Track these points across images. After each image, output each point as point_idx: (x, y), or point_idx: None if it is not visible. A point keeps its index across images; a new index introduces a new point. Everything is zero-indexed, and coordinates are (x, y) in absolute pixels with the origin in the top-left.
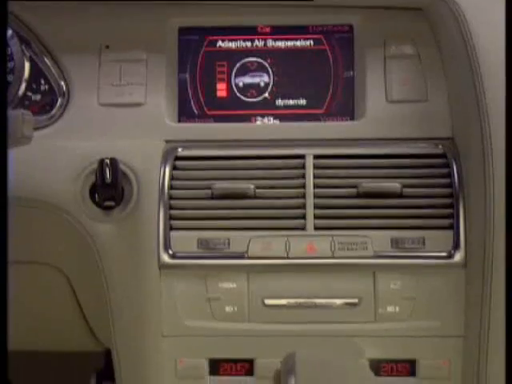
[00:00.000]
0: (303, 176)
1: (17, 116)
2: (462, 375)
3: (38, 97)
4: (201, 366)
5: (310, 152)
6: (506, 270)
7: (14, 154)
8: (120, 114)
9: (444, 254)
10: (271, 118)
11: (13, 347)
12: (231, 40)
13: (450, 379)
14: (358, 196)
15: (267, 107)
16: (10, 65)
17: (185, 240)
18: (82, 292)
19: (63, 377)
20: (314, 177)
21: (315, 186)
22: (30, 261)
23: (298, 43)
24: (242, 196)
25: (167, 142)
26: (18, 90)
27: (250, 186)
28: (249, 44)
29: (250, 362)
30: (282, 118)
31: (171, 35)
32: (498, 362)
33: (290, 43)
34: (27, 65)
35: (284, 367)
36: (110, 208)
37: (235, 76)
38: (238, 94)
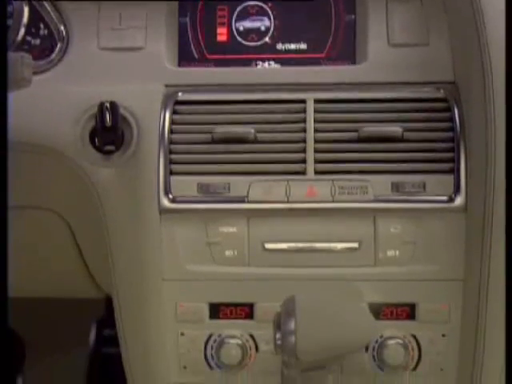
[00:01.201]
0: (304, 120)
1: (16, 58)
2: (461, 319)
3: (38, 41)
4: (201, 310)
5: (310, 96)
6: (506, 213)
7: (14, 99)
8: (120, 59)
9: (444, 198)
10: (272, 63)
11: (13, 294)
12: None
13: (450, 323)
14: (359, 140)
15: (268, 51)
16: (9, 9)
17: (185, 184)
18: (82, 237)
19: (64, 324)
20: (315, 121)
21: (316, 131)
22: (31, 206)
23: None
24: (243, 140)
25: (167, 86)
26: (17, 34)
27: (250, 131)
28: None
29: (250, 305)
30: (282, 62)
31: None
32: (497, 306)
33: None
34: (26, 9)
35: (284, 310)
36: (110, 152)
37: (236, 20)
38: (238, 39)
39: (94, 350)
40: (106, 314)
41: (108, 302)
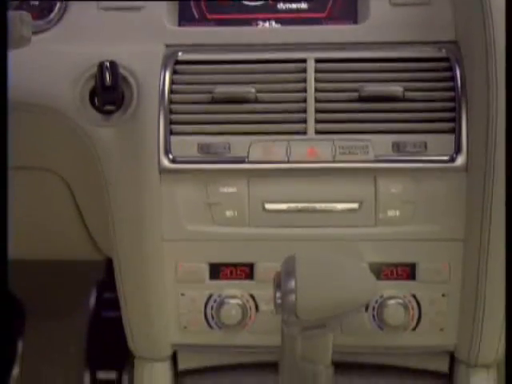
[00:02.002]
0: (304, 80)
1: (15, 16)
2: (461, 279)
3: (37, 1)
4: (201, 271)
5: (311, 56)
6: (507, 172)
7: (13, 58)
8: (120, 19)
9: (446, 157)
10: (273, 22)
11: (13, 256)
12: None
13: (450, 283)
14: (360, 100)
15: (269, 11)
16: None
17: (185, 145)
18: (82, 199)
19: (64, 287)
20: (316, 81)
21: (316, 90)
22: (30, 167)
23: None
24: (243, 100)
25: (167, 46)
26: None
27: (250, 90)
28: None
29: (250, 266)
30: (283, 21)
31: None
32: (497, 266)
33: None
34: None
35: (284, 269)
36: (109, 112)
37: None
38: None
39: (93, 313)
40: (105, 277)
41: (108, 265)
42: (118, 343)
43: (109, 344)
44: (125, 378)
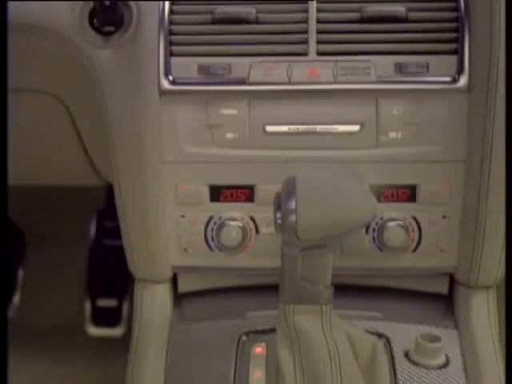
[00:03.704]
0: (306, 0)
1: None
2: (462, 201)
3: None
4: (201, 193)
5: None
6: (506, 93)
7: None
8: None
9: (448, 78)
10: None
11: (13, 182)
12: None
13: (450, 204)
14: (362, 20)
15: None
16: None
17: (185, 66)
18: (82, 122)
19: (64, 215)
20: (317, 1)
21: (318, 11)
22: (30, 89)
23: None
24: (244, 21)
25: None
26: None
27: (251, 11)
28: None
29: (251, 188)
30: None
31: None
32: (498, 188)
33: None
34: None
35: (284, 189)
36: (109, 34)
37: None
38: None
39: (94, 241)
40: (105, 206)
41: (108, 194)
42: (119, 271)
43: (109, 272)
44: (125, 306)
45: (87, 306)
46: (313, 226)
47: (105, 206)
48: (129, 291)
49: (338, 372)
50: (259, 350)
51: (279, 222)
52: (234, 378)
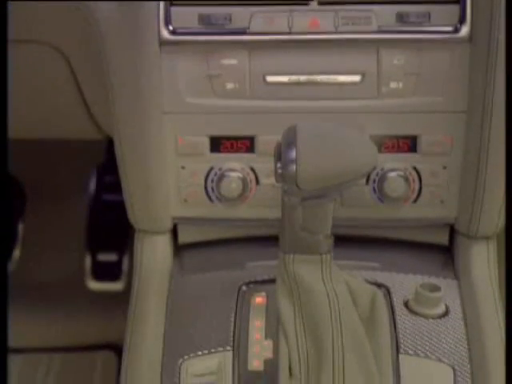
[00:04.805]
0: None
1: None
2: (463, 151)
3: None
4: (201, 144)
5: None
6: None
7: None
8: None
9: (449, 28)
10: None
11: (13, 135)
12: None
13: (451, 155)
14: None
15: None
16: None
17: (185, 16)
18: (82, 75)
19: (64, 169)
20: None
21: None
22: (30, 39)
23: None
24: None
25: None
26: None
27: None
28: None
29: (251, 138)
30: None
31: None
32: (499, 138)
33: None
34: None
35: (285, 139)
36: None
37: None
38: None
39: (94, 195)
40: (105, 161)
41: (109, 146)
42: (119, 225)
43: (109, 226)
44: (125, 260)
45: (87, 261)
46: (313, 176)
47: (105, 160)
48: (129, 245)
49: (337, 321)
50: (259, 299)
51: (280, 171)
52: (234, 328)
